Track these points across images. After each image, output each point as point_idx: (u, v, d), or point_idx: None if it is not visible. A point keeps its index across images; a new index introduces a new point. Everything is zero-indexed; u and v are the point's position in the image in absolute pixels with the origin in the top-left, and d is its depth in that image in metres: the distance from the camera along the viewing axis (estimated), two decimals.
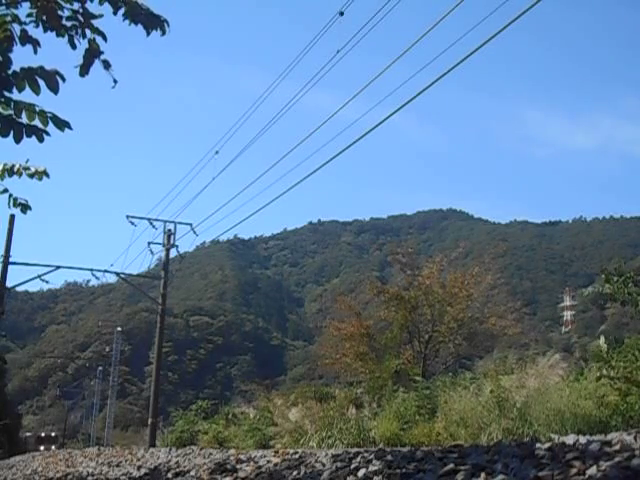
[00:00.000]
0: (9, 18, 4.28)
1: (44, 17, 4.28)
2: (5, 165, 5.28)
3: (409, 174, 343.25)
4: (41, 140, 4.44)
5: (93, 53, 4.35)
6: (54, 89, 4.28)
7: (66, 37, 4.35)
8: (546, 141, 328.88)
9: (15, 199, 5.39)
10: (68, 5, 4.29)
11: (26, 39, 4.31)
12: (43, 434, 71.15)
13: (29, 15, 4.31)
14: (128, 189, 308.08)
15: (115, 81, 4.43)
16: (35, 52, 4.32)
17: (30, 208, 5.45)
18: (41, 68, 4.26)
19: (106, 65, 4.39)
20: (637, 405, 8.83)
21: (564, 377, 11.72)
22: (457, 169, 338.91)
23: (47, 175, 5.21)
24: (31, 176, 5.19)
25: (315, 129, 15.32)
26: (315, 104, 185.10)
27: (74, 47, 4.35)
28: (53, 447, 61.81)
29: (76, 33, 4.33)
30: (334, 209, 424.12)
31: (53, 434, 72.19)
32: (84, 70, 4.39)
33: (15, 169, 5.25)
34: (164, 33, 4.45)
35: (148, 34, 4.38)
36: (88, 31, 4.33)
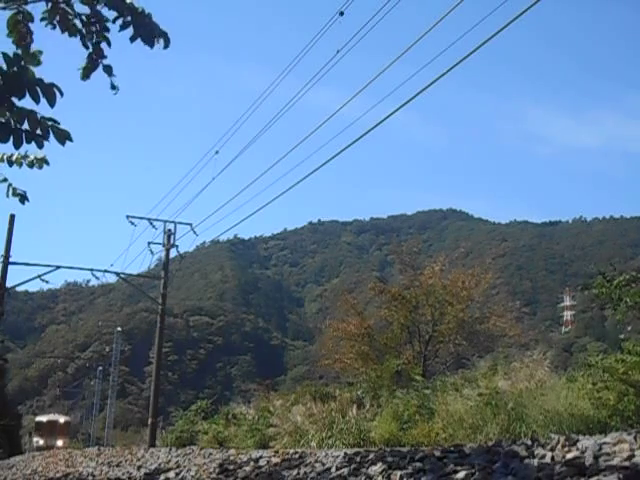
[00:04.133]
0: (21, 17, 4.29)
1: (57, 17, 4.30)
2: (3, 154, 5.29)
3: (409, 174, 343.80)
4: (41, 146, 4.46)
5: (96, 58, 4.37)
6: (51, 102, 4.30)
7: (78, 37, 4.37)
8: (549, 139, 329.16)
9: (14, 189, 5.40)
10: (80, 9, 4.31)
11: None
12: (45, 419, 49.63)
13: (43, 19, 4.33)
14: (128, 189, 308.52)
15: (114, 87, 4.47)
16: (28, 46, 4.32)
17: (28, 199, 5.46)
18: (40, 80, 4.29)
19: (108, 71, 4.41)
20: (632, 405, 8.83)
21: (558, 376, 11.71)
22: (458, 168, 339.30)
23: (47, 162, 5.21)
24: (31, 165, 5.19)
25: (315, 129, 15.29)
26: (316, 102, 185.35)
27: (87, 47, 4.38)
28: (60, 443, 44.71)
29: (90, 37, 4.35)
30: (334, 209, 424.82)
31: (62, 419, 50.16)
32: (86, 74, 4.42)
33: (14, 158, 5.26)
34: (167, 46, 4.46)
35: (152, 46, 4.40)
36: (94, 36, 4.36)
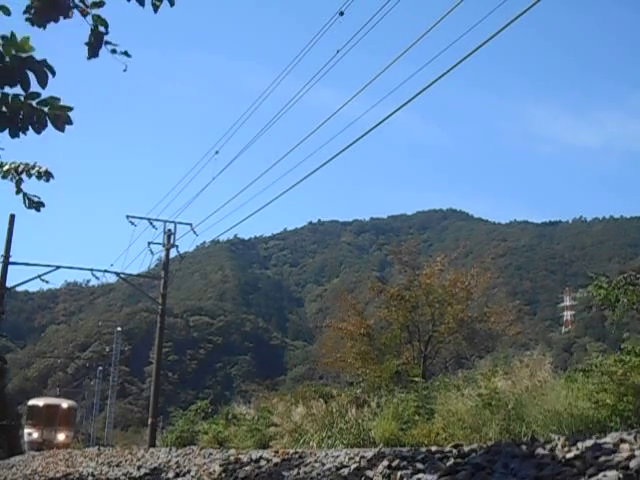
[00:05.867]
0: None
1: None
2: (12, 165, 5.25)
3: (409, 174, 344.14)
4: (39, 131, 4.22)
5: (98, 37, 4.23)
6: (42, 83, 4.07)
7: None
8: (550, 139, 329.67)
9: (30, 199, 5.34)
10: None
11: None
12: (41, 403, 38.91)
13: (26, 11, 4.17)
14: (128, 189, 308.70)
15: (128, 55, 4.24)
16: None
17: (43, 205, 5.35)
18: (30, 58, 4.02)
19: (113, 50, 4.26)
20: (631, 405, 8.84)
21: (558, 376, 11.71)
22: (459, 168, 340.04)
23: (52, 176, 5.17)
24: (39, 177, 5.16)
25: (315, 129, 15.32)
26: (317, 102, 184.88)
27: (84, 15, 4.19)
28: (62, 437, 35.84)
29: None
30: (334, 209, 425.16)
31: (65, 404, 39.51)
32: (91, 52, 4.24)
33: (20, 169, 5.22)
34: (172, 3, 4.31)
35: (155, 11, 4.28)
36: (90, 18, 4.22)
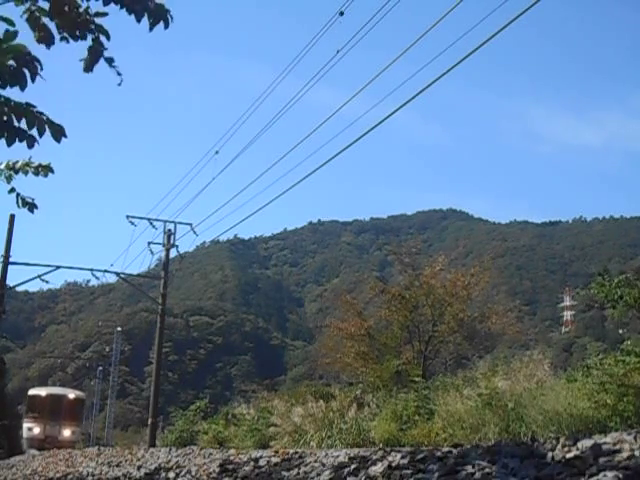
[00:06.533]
0: (37, 13, 4.03)
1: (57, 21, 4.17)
2: (8, 162, 5.22)
3: (409, 174, 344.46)
4: (30, 146, 4.30)
5: (97, 50, 4.26)
6: (32, 75, 4.08)
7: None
8: (550, 138, 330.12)
9: (23, 198, 5.30)
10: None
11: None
12: (43, 393, 34.28)
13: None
14: (128, 189, 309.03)
15: (119, 73, 4.30)
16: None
17: (37, 207, 5.31)
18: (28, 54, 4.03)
19: (110, 62, 4.29)
20: (631, 405, 8.83)
21: (558, 376, 11.71)
22: (459, 168, 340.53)
23: (52, 170, 5.14)
24: (36, 173, 5.12)
25: (315, 128, 15.30)
26: (317, 101, 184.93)
27: (84, 38, 4.23)
28: (68, 432, 31.80)
29: (86, 32, 4.24)
30: (334, 209, 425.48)
31: (72, 395, 34.82)
32: (89, 66, 4.26)
33: (17, 166, 5.19)
34: (167, 26, 4.33)
35: (151, 29, 4.28)
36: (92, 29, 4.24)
